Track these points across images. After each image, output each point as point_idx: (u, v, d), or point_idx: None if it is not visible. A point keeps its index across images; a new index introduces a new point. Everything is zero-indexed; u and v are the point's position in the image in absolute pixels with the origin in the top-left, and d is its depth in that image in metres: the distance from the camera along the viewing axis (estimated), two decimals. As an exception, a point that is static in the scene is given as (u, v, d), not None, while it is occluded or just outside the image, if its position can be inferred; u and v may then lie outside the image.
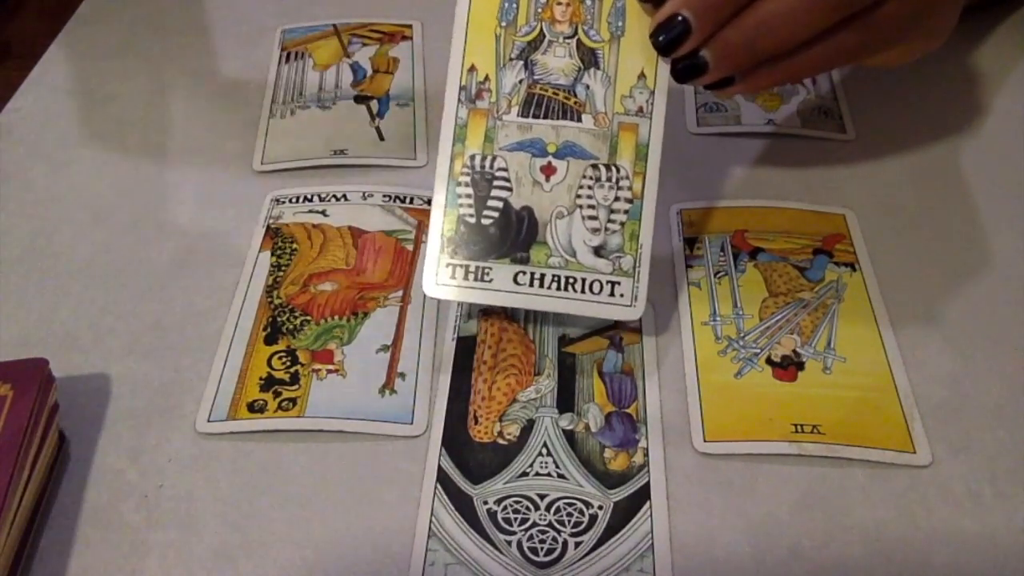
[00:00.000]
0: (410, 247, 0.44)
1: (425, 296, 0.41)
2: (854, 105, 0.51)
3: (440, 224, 0.38)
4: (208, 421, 0.37)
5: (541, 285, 0.37)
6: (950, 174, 0.48)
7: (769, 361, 0.39)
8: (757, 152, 0.49)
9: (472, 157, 0.38)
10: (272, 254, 0.44)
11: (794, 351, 0.39)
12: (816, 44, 0.36)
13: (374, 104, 0.52)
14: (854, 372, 0.39)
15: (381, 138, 0.50)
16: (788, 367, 0.39)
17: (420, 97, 0.52)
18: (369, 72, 0.54)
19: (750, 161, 0.48)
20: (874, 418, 0.37)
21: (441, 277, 0.37)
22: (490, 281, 0.37)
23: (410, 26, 0.57)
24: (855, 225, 0.45)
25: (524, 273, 0.37)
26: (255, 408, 0.38)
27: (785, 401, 0.38)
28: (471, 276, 0.37)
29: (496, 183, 0.38)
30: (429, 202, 0.46)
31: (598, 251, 0.37)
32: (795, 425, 0.37)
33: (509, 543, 0.34)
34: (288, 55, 0.55)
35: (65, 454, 0.36)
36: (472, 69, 0.38)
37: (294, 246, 0.44)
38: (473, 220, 0.38)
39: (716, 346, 0.40)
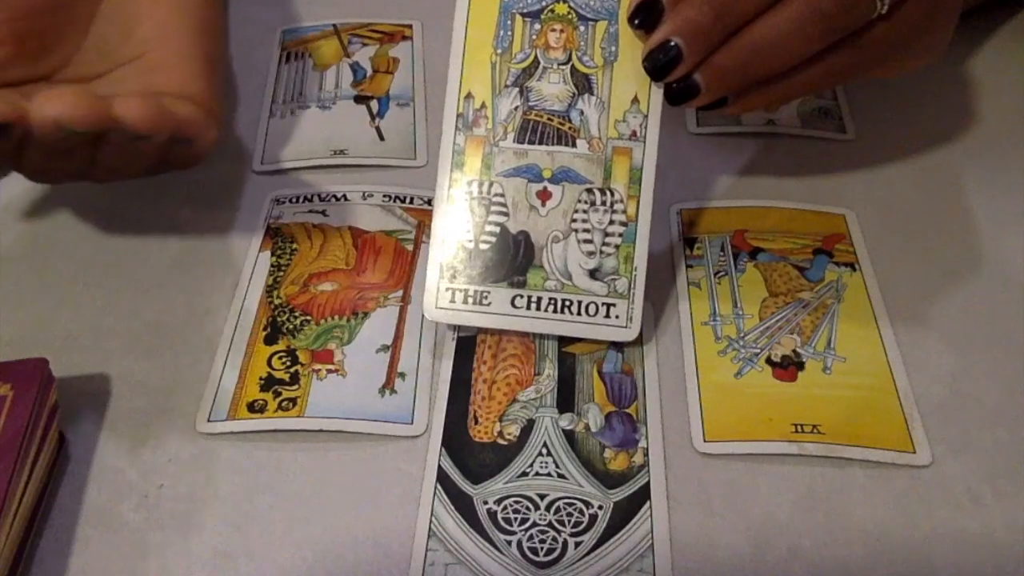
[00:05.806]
0: (410, 247, 0.44)
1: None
2: (854, 105, 0.51)
3: (439, 250, 0.38)
4: (208, 421, 0.37)
5: (538, 308, 0.38)
6: (950, 174, 0.48)
7: (769, 361, 0.39)
8: (757, 152, 0.49)
9: (470, 183, 0.38)
10: (272, 254, 0.44)
11: (794, 351, 0.39)
12: (808, 65, 0.36)
13: (374, 104, 0.52)
14: (854, 372, 0.39)
15: (381, 138, 0.50)
16: (788, 367, 0.39)
17: (420, 97, 0.52)
18: (369, 72, 0.53)
19: (750, 161, 0.48)
20: (874, 418, 0.37)
21: (441, 301, 0.38)
22: (488, 305, 0.38)
23: (410, 26, 0.56)
24: (855, 225, 0.45)
25: (521, 297, 0.38)
26: (255, 408, 0.38)
27: (785, 401, 0.38)
28: (470, 300, 0.38)
29: (493, 208, 0.38)
30: (429, 202, 0.46)
31: (593, 274, 0.38)
32: (795, 425, 0.37)
33: (509, 543, 0.34)
34: (288, 55, 0.55)
35: (65, 454, 0.36)
36: (469, 96, 0.38)
37: (294, 246, 0.44)
38: (471, 245, 0.38)
39: (716, 346, 0.40)
